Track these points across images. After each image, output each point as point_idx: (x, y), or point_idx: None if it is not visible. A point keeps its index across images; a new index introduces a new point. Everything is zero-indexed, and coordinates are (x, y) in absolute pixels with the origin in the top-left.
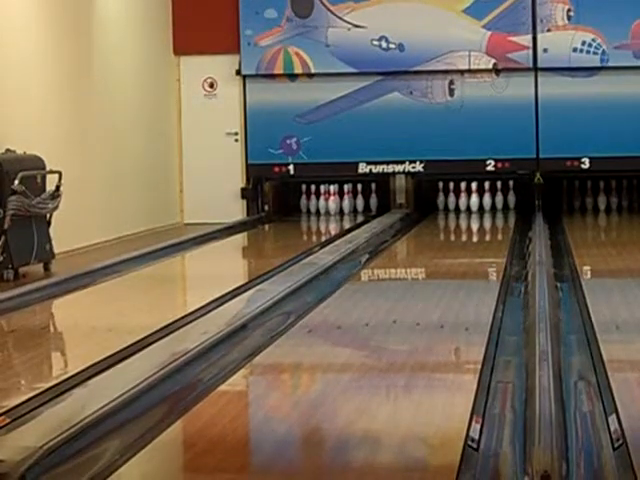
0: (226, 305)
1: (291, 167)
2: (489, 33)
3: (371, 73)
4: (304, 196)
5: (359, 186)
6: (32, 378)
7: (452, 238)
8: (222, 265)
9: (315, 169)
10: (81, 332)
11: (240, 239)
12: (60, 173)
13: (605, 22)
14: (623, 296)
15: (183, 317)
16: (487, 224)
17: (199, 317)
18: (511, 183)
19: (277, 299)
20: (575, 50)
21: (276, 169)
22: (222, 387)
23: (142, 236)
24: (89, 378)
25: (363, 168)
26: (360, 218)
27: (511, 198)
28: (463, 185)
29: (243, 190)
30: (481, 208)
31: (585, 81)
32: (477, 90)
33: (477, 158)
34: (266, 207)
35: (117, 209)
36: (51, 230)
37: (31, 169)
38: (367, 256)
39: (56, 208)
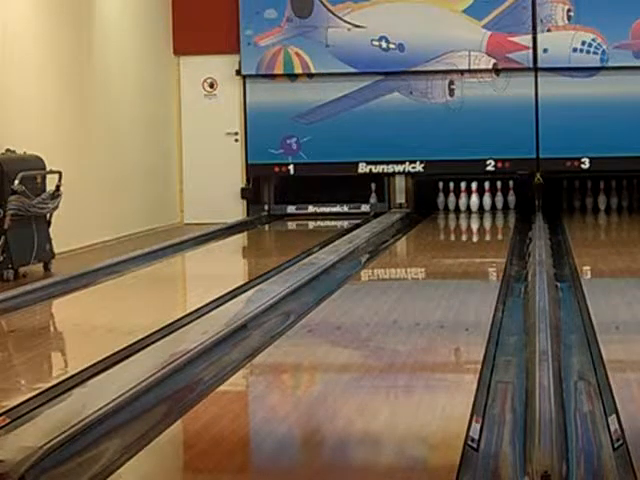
0: (226, 305)
1: (291, 167)
2: (489, 33)
3: (371, 73)
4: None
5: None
6: (32, 378)
7: (452, 238)
8: (222, 265)
9: (315, 169)
10: (81, 332)
11: (240, 239)
12: (60, 173)
13: (605, 22)
14: (623, 296)
15: (183, 317)
16: (487, 224)
17: (199, 317)
18: (511, 183)
19: (277, 299)
20: (575, 50)
21: (276, 169)
22: (222, 387)
23: (142, 236)
24: (89, 378)
25: (363, 168)
26: (360, 218)
27: (511, 198)
28: (463, 185)
29: (243, 190)
30: (481, 208)
31: (585, 81)
32: (477, 90)
33: (477, 158)
34: (266, 207)
35: (117, 209)
36: (51, 230)
37: (31, 169)
38: (367, 256)
39: (56, 208)
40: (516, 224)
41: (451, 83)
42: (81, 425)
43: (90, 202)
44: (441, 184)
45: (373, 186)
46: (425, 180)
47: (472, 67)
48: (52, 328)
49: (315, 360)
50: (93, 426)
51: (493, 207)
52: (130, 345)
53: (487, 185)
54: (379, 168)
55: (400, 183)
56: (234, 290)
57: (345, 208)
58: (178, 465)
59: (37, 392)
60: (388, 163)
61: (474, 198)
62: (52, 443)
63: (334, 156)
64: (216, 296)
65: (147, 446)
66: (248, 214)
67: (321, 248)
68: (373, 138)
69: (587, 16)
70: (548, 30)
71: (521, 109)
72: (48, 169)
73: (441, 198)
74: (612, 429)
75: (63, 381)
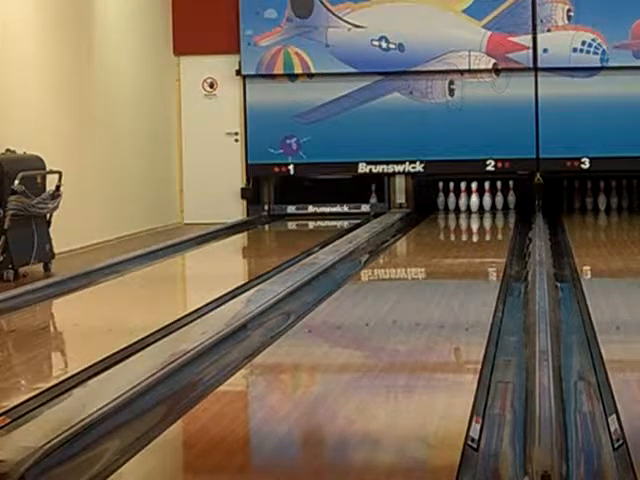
0: (226, 305)
1: (291, 167)
2: (489, 33)
3: (371, 73)
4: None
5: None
6: (32, 378)
7: (452, 238)
8: (222, 265)
9: (315, 169)
10: (81, 332)
11: (240, 239)
12: (60, 173)
13: (605, 22)
14: (623, 296)
15: (183, 317)
16: (487, 224)
17: (199, 317)
18: (511, 183)
19: (277, 299)
20: (575, 50)
21: (276, 169)
22: (222, 387)
23: (142, 236)
24: (89, 378)
25: (363, 168)
26: (360, 218)
27: (511, 198)
28: (463, 185)
29: (243, 190)
30: (481, 208)
31: (585, 81)
32: (477, 90)
33: (477, 158)
34: (266, 207)
35: (117, 209)
36: (51, 230)
37: (31, 169)
38: (367, 256)
39: (56, 208)
40: (516, 224)
41: (451, 83)
42: (81, 425)
43: (90, 202)
44: (441, 184)
45: (373, 186)
46: (425, 180)
47: (472, 67)
48: (52, 328)
49: (315, 360)
50: (93, 426)
51: (493, 207)
52: (130, 345)
53: (487, 185)
54: (379, 168)
55: (400, 183)
56: (234, 290)
57: (345, 208)
58: (178, 465)
59: (37, 392)
60: (388, 163)
61: (474, 198)
62: (52, 443)
63: (334, 156)
64: (216, 296)
65: (147, 446)
66: (248, 214)
67: (321, 248)
68: (373, 138)
69: (587, 16)
70: (548, 30)
71: (521, 109)
72: (48, 169)
73: (441, 198)
74: (612, 429)
75: (63, 381)
